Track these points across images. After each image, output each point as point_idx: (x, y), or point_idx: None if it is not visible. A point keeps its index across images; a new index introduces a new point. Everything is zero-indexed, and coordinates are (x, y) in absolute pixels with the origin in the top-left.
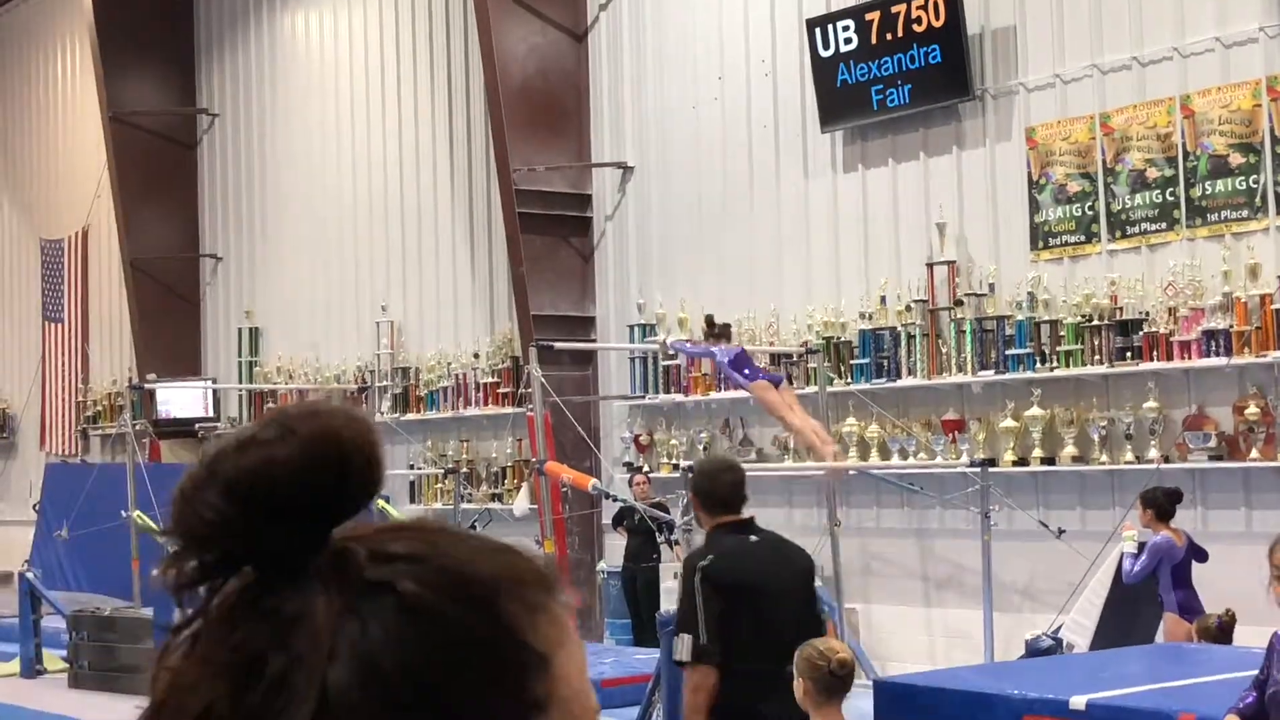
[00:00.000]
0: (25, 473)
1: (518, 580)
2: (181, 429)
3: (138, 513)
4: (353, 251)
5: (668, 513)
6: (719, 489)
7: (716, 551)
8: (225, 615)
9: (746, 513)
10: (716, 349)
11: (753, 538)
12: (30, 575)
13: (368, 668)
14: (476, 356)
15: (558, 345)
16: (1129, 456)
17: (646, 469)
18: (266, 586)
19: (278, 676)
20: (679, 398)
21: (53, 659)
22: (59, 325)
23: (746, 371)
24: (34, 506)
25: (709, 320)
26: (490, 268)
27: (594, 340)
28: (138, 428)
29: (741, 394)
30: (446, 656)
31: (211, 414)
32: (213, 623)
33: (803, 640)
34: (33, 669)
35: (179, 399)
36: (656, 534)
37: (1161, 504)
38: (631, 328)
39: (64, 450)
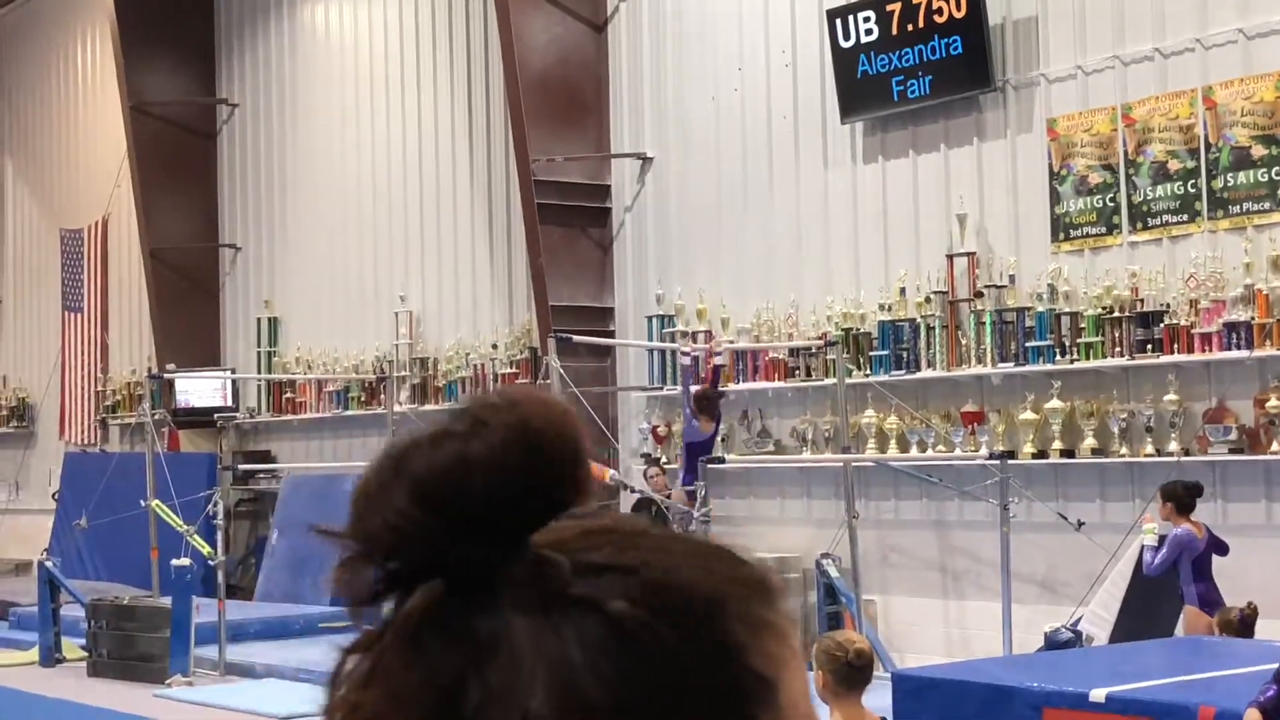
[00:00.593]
0: (45, 462)
1: (739, 593)
2: (200, 419)
3: (156, 502)
4: (371, 242)
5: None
6: None
7: None
8: (412, 637)
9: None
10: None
11: None
12: (49, 564)
13: (572, 698)
14: (495, 347)
15: (575, 337)
16: (1149, 449)
17: (664, 460)
18: (457, 602)
19: (477, 704)
20: (696, 389)
21: (72, 647)
22: (79, 315)
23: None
24: (53, 495)
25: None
26: (509, 258)
27: (612, 331)
28: (157, 417)
29: (760, 385)
30: (662, 685)
31: (231, 404)
32: (398, 645)
33: None
34: (52, 657)
35: (198, 389)
36: (674, 526)
37: (1181, 497)
38: (650, 319)
39: (83, 439)
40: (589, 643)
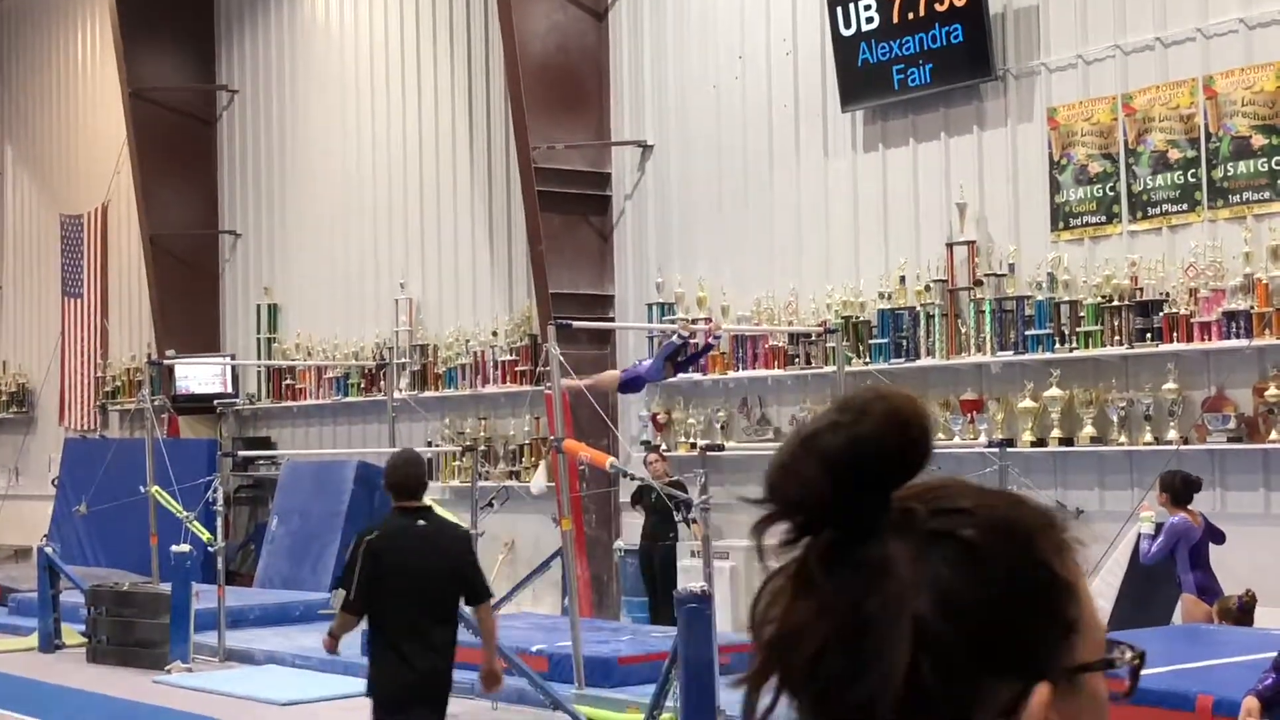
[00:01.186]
0: (44, 448)
1: (1043, 524)
2: (200, 405)
3: (156, 488)
4: (371, 229)
5: (685, 491)
6: (403, 480)
7: (382, 529)
8: (822, 568)
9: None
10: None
11: (420, 522)
12: (49, 550)
13: (946, 601)
14: (495, 334)
15: (575, 324)
16: (1148, 437)
17: (664, 447)
18: (849, 542)
19: (875, 615)
20: (697, 377)
21: (71, 633)
22: (78, 300)
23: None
24: (53, 482)
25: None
26: (509, 246)
27: (612, 318)
28: (156, 403)
29: (760, 373)
30: (1005, 588)
31: (230, 390)
32: (810, 575)
33: (441, 601)
34: (51, 643)
35: (198, 375)
36: (674, 512)
37: (1178, 490)
38: (650, 306)
39: (83, 425)
40: (951, 561)
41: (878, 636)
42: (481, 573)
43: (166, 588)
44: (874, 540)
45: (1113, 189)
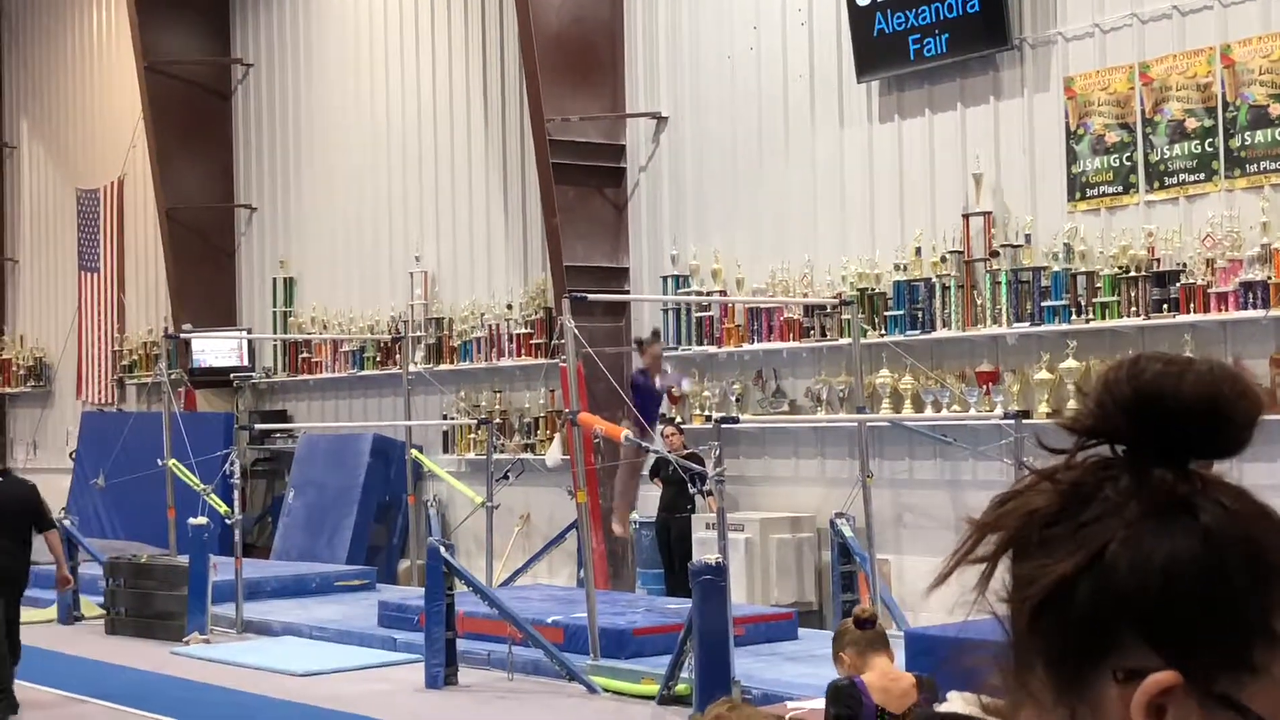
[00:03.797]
0: (62, 421)
1: None
2: (217, 378)
3: (173, 461)
4: (386, 202)
5: (701, 464)
6: None
7: None
8: (1080, 464)
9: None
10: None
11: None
12: (67, 522)
13: (1143, 556)
14: (510, 307)
15: (590, 296)
16: None
17: (679, 420)
18: (1119, 464)
19: (1085, 520)
20: (711, 349)
21: (90, 606)
22: (95, 274)
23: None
24: (71, 455)
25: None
26: (524, 218)
27: (627, 291)
28: (173, 377)
29: (775, 345)
30: (1207, 587)
31: (247, 363)
32: (1071, 465)
33: (16, 528)
34: (70, 615)
35: (214, 348)
36: (689, 485)
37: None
38: (665, 279)
39: (100, 399)
40: (1175, 533)
41: (1072, 534)
42: (47, 510)
43: (184, 560)
44: (1137, 475)
45: (1129, 159)
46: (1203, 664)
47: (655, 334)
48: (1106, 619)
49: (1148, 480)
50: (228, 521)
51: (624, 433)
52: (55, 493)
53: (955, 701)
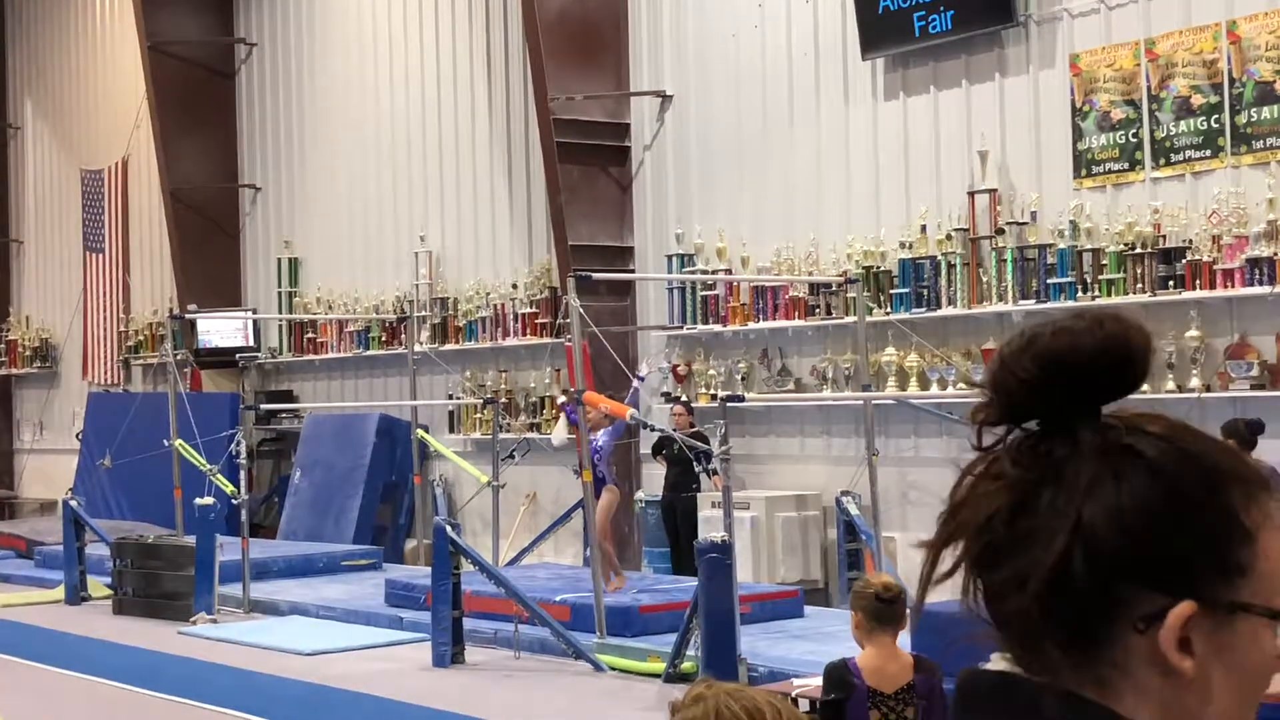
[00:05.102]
0: (68, 402)
1: (1242, 475)
2: (222, 359)
3: (180, 442)
4: (391, 182)
5: (707, 443)
6: None
7: None
8: (1014, 454)
9: None
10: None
11: None
12: (74, 503)
13: (1114, 509)
14: (515, 287)
15: (596, 275)
16: (1170, 385)
17: (685, 398)
18: (1045, 437)
19: (1047, 503)
20: (717, 328)
21: (97, 586)
22: (100, 255)
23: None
24: (77, 435)
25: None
26: (528, 198)
27: (632, 270)
28: (179, 357)
29: (780, 323)
30: (1178, 513)
31: (252, 344)
32: (1003, 456)
33: None
34: (77, 595)
35: (220, 329)
36: (694, 464)
37: (1243, 434)
38: (670, 258)
39: (106, 380)
40: (1130, 476)
41: (1041, 523)
42: None
43: (191, 540)
44: (1067, 441)
45: (1135, 135)
46: (1203, 584)
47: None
48: (1106, 580)
49: (1081, 443)
50: (234, 501)
51: (629, 411)
52: (62, 473)
53: (998, 662)
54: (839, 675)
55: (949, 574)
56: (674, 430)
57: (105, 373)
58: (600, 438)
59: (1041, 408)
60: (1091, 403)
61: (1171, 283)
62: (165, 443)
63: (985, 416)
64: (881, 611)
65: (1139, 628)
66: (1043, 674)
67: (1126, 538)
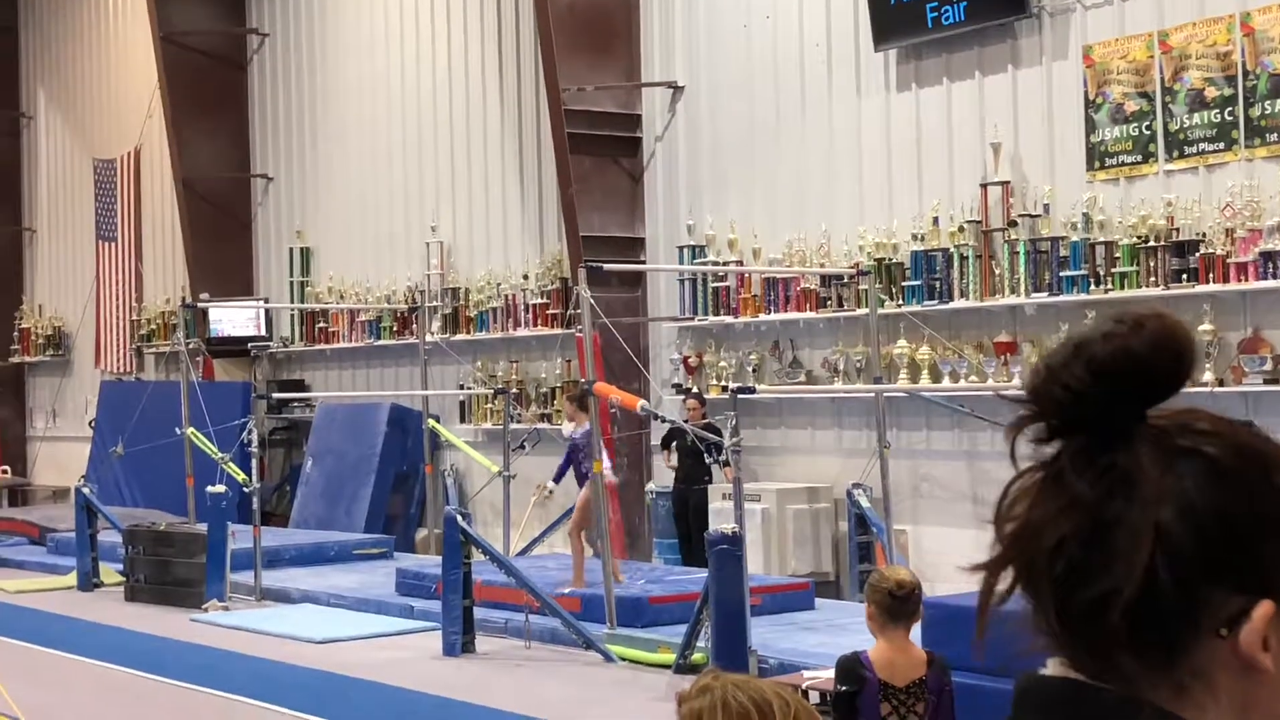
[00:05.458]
0: (81, 390)
1: None
2: (234, 348)
3: (191, 430)
4: (402, 172)
5: (719, 434)
6: None
7: None
8: (1071, 468)
9: None
10: (573, 434)
11: None
12: (87, 490)
13: (1188, 512)
14: (526, 278)
15: (607, 267)
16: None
17: (697, 390)
18: (1100, 448)
19: (1119, 517)
20: (728, 319)
21: (109, 573)
22: (113, 244)
23: (584, 464)
24: (90, 423)
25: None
26: (540, 188)
27: (643, 261)
28: (191, 346)
29: (791, 315)
30: (1245, 506)
31: (264, 333)
32: (1059, 475)
33: None
34: (89, 582)
35: (232, 318)
36: (705, 455)
37: None
38: (681, 249)
39: (119, 368)
40: (1196, 476)
41: (1120, 537)
42: None
43: (203, 528)
44: (1125, 449)
45: (1149, 128)
46: (1277, 579)
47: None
48: (1190, 587)
49: (1139, 450)
50: (246, 490)
51: (639, 403)
52: (75, 461)
53: (1054, 666)
54: (851, 668)
55: (1007, 596)
56: (686, 422)
57: (118, 361)
58: (578, 434)
59: (1094, 417)
60: (1142, 406)
61: (1185, 276)
62: (177, 431)
63: (1030, 429)
64: (895, 607)
65: (1222, 632)
66: (1114, 683)
67: (1204, 541)
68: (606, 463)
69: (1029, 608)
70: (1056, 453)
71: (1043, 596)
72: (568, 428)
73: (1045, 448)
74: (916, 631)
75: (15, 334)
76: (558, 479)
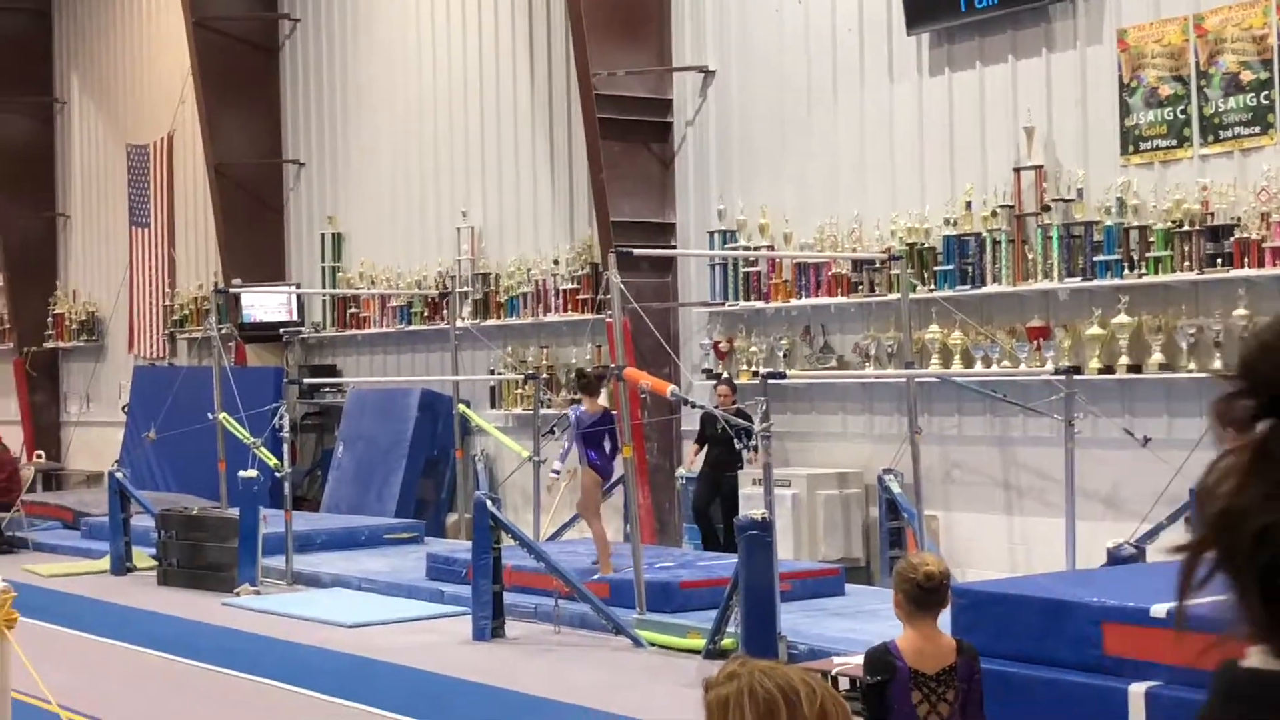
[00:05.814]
0: (115, 375)
1: None
2: (266, 333)
3: (224, 415)
4: (433, 157)
5: (749, 420)
6: None
7: None
8: (1272, 450)
9: None
10: (572, 410)
11: None
12: (120, 475)
13: None
14: (556, 263)
15: (637, 252)
16: (1217, 364)
17: (728, 376)
18: None
19: None
20: (759, 304)
21: (142, 557)
22: (145, 230)
23: (591, 452)
24: (123, 408)
25: (579, 373)
26: (570, 174)
27: (674, 246)
28: (223, 332)
29: (822, 300)
30: None
31: (296, 319)
32: (1264, 455)
33: None
34: (122, 566)
35: (264, 303)
36: (735, 441)
37: None
38: (712, 234)
39: (152, 353)
40: None
41: None
42: None
43: (235, 512)
44: None
45: (1183, 112)
46: None
47: (600, 375)
48: None
49: None
50: (277, 474)
51: (669, 388)
52: (108, 445)
53: (1256, 657)
54: (881, 658)
55: (1206, 581)
56: (717, 408)
57: (151, 346)
58: (583, 412)
59: None
60: None
61: (1219, 261)
62: (210, 416)
63: (1241, 407)
64: (923, 598)
65: None
66: None
67: None
68: (592, 454)
69: (1230, 593)
70: (1265, 432)
71: (1246, 584)
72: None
73: (1256, 426)
74: (945, 619)
75: (49, 319)
76: (563, 458)
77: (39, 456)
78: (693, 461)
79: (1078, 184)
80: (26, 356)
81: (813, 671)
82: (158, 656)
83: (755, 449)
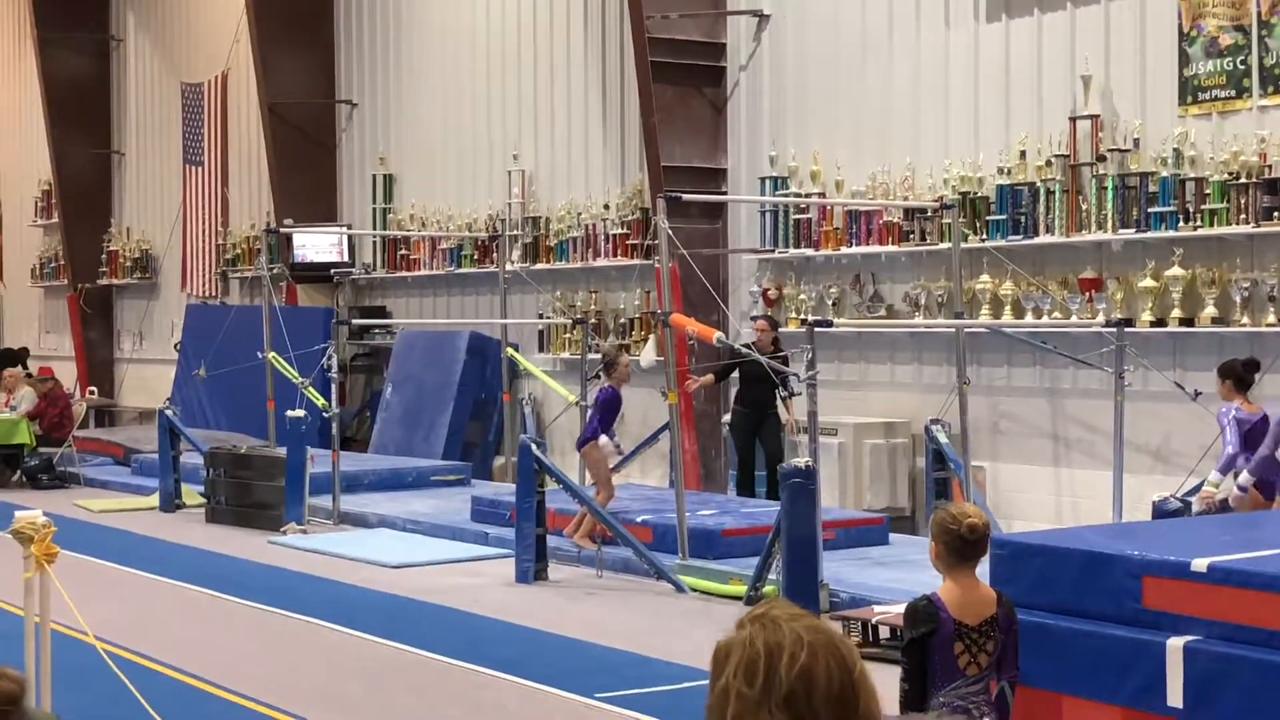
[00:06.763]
0: (167, 313)
1: None
2: (317, 274)
3: (273, 354)
4: (485, 100)
5: (787, 364)
6: None
7: None
8: None
9: None
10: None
11: None
12: (170, 412)
13: None
14: (606, 208)
15: (686, 197)
16: (1271, 319)
17: (769, 314)
18: None
19: None
20: (809, 252)
21: (191, 494)
22: (199, 169)
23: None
24: (175, 346)
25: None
26: (622, 118)
27: (725, 192)
28: (274, 271)
29: (873, 249)
30: None
31: (347, 259)
32: None
33: None
34: (171, 503)
35: (315, 244)
36: (779, 388)
37: (1239, 373)
38: (763, 180)
39: (204, 292)
40: None
41: None
42: None
43: (282, 451)
44: None
45: (1243, 62)
46: None
47: (620, 349)
48: None
49: None
50: (325, 415)
51: (715, 335)
52: (160, 383)
53: None
54: (925, 611)
55: None
56: (753, 346)
57: (203, 285)
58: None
59: None
60: None
61: (1276, 214)
62: (259, 355)
63: None
64: (964, 549)
65: None
66: None
67: None
68: (604, 439)
69: None
70: None
71: None
72: (645, 358)
73: None
74: (983, 569)
75: (104, 256)
76: (612, 436)
77: (91, 393)
78: (696, 386)
79: (1134, 134)
80: (81, 293)
81: (824, 630)
82: (202, 593)
83: (788, 396)
